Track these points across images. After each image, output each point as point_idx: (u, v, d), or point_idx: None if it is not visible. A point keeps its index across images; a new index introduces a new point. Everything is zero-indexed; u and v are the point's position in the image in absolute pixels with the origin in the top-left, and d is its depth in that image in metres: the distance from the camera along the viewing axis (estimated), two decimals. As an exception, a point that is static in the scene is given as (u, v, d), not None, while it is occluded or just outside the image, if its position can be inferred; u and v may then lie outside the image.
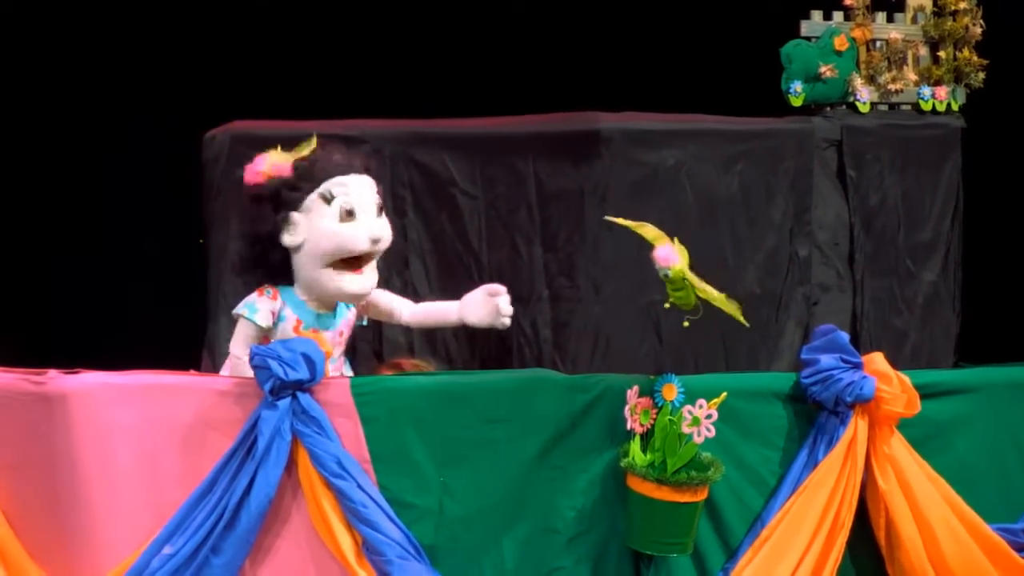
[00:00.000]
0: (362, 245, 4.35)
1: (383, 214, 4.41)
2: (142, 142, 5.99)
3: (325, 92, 5.86)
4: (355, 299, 4.48)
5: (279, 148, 4.41)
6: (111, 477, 4.08)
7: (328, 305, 4.47)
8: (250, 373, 4.15)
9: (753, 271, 5.28)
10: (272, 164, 4.36)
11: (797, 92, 5.40)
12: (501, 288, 4.43)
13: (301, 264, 4.40)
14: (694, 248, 4.44)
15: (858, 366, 4.40)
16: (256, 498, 4.03)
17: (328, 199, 4.34)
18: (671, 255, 4.19)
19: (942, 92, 5.53)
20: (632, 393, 4.23)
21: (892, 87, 5.51)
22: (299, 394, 4.07)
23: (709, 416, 4.16)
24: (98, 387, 4.10)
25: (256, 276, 4.47)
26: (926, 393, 4.46)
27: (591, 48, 6.12)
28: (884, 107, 5.55)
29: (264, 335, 4.41)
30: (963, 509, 4.48)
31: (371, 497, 4.06)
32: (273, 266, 4.42)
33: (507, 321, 4.46)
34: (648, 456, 4.17)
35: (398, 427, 4.13)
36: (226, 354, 4.56)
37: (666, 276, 4.19)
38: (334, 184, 4.36)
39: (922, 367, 5.11)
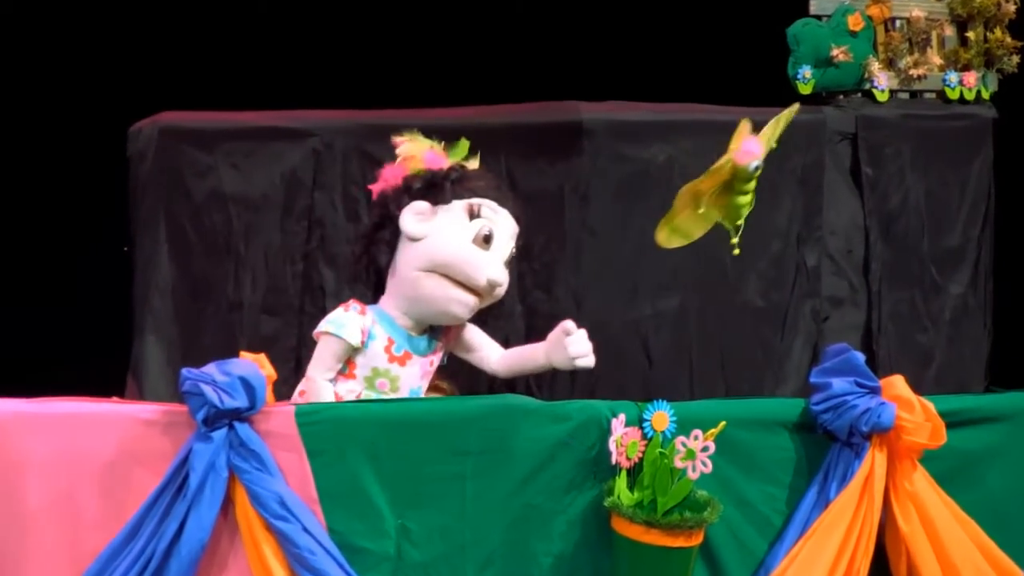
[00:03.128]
0: (481, 278, 4.27)
1: (508, 266, 4.37)
2: (59, 136, 5.70)
3: (264, 78, 5.60)
4: (453, 319, 4.32)
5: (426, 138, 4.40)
6: (19, 519, 3.93)
7: (418, 328, 4.33)
8: (330, 397, 4.17)
9: (755, 282, 5.05)
10: (427, 154, 4.37)
11: (806, 78, 5.17)
12: (571, 325, 4.30)
13: (409, 259, 4.29)
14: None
15: (875, 391, 4.22)
16: (188, 543, 3.89)
17: (474, 214, 4.32)
18: (755, 145, 4.08)
19: (971, 78, 5.27)
20: (618, 422, 4.05)
21: (914, 72, 5.25)
22: (236, 424, 3.92)
23: (705, 448, 4.02)
24: (5, 415, 3.96)
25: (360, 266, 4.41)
26: (953, 421, 4.27)
27: (571, 30, 5.88)
28: (905, 95, 5.29)
29: (351, 356, 4.29)
30: (994, 552, 4.30)
31: (318, 542, 3.92)
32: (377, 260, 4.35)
33: (585, 362, 4.32)
34: (636, 494, 4.00)
35: (350, 461, 4.00)
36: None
37: (758, 168, 4.08)
38: (485, 204, 4.33)
39: (949, 392, 4.89)
